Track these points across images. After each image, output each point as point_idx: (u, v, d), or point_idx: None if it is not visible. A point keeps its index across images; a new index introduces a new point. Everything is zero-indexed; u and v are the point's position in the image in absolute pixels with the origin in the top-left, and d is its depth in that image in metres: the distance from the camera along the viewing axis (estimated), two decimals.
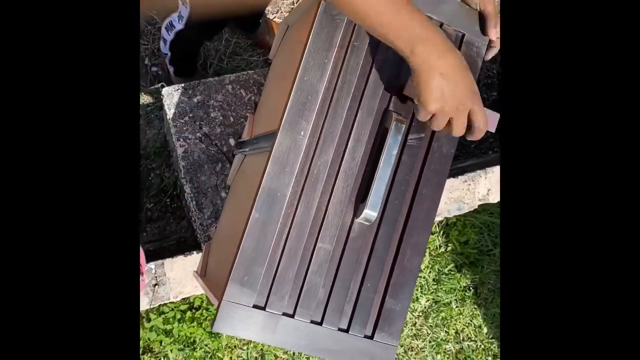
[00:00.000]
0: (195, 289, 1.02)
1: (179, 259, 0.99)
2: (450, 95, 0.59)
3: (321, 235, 0.68)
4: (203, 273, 0.90)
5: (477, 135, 0.63)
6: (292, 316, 0.66)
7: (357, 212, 0.69)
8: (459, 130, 0.62)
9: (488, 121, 0.63)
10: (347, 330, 0.68)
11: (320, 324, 0.67)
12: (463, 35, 0.73)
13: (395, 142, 0.68)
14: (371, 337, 0.69)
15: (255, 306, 0.65)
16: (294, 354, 1.45)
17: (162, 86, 1.25)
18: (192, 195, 1.00)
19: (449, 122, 0.62)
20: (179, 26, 1.17)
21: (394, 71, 0.70)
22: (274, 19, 1.51)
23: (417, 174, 0.71)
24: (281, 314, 0.66)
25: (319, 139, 0.67)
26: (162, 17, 1.38)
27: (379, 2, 0.57)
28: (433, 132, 0.72)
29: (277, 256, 0.66)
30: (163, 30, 1.23)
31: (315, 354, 0.67)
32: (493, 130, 0.65)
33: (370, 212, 0.67)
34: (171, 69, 1.34)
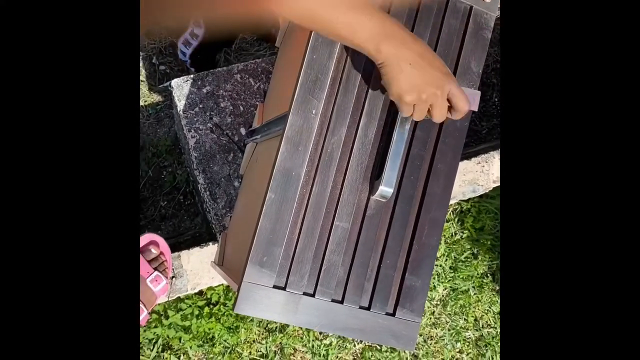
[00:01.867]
0: (212, 280, 1.02)
1: (195, 251, 0.99)
2: (424, 83, 0.59)
3: (338, 214, 0.67)
4: (220, 262, 0.90)
5: (458, 116, 0.62)
6: (313, 295, 0.66)
7: (372, 189, 0.68)
8: (440, 115, 0.61)
9: (469, 100, 0.62)
10: (368, 308, 0.68)
11: (342, 302, 0.67)
12: (471, 8, 0.72)
13: (406, 118, 0.67)
14: (393, 314, 0.69)
15: (275, 286, 0.64)
16: (312, 346, 1.44)
17: (170, 85, 1.26)
18: (205, 185, 1.00)
19: (429, 110, 0.61)
20: (194, 42, 1.20)
21: None
22: None
23: (432, 149, 0.70)
24: (302, 293, 0.65)
25: (330, 117, 0.67)
26: (172, 34, 1.41)
27: (338, 10, 0.58)
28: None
29: (295, 236, 0.66)
30: (180, 46, 1.27)
31: (338, 332, 0.66)
32: (476, 109, 0.65)
33: (385, 189, 0.66)
34: (192, 69, 1.37)
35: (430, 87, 0.59)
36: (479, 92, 0.66)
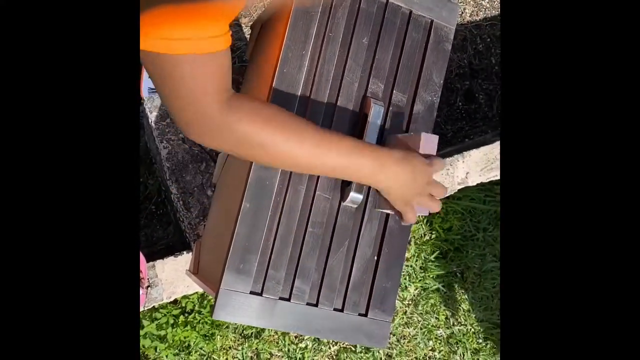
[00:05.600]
0: (187, 288, 1.03)
1: (170, 260, 1.01)
2: (419, 194, 0.69)
3: (311, 221, 0.70)
4: (196, 270, 0.91)
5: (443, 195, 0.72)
6: (289, 300, 0.68)
7: (343, 196, 0.71)
8: (434, 208, 0.71)
9: (429, 146, 0.70)
10: (341, 310, 0.71)
11: (316, 305, 0.70)
12: (432, 21, 0.76)
13: (374, 126, 0.71)
14: (365, 315, 0.72)
15: (252, 292, 0.67)
16: (288, 350, 1.46)
17: (142, 97, 1.25)
18: (178, 195, 1.02)
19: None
20: None
21: (368, 57, 0.73)
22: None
23: None
24: (277, 298, 0.68)
25: None
26: None
27: (331, 158, 0.65)
28: (410, 116, 0.75)
29: (270, 243, 0.68)
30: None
31: (314, 334, 0.69)
32: (434, 152, 0.71)
33: (356, 195, 0.70)
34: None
35: (422, 192, 0.69)
36: (437, 136, 0.72)
